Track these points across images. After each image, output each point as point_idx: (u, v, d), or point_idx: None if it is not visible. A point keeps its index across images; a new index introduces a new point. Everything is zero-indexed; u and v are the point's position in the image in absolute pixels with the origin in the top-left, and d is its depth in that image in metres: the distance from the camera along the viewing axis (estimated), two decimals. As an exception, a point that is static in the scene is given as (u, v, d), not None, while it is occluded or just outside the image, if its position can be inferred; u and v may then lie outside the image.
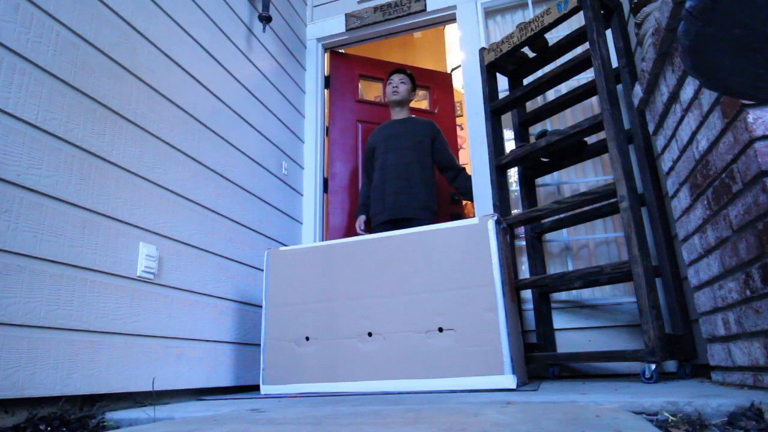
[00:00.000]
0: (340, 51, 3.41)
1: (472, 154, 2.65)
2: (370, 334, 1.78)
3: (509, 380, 1.56)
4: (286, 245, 2.57)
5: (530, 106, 2.59)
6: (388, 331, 1.75)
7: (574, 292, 2.33)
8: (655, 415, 1.02)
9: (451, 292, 1.70)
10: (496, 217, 1.73)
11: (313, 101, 3.09)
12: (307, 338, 1.88)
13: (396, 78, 3.07)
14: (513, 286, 1.93)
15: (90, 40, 1.53)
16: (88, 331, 1.40)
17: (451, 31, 5.07)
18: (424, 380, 1.66)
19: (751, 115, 1.06)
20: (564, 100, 2.26)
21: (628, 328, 2.16)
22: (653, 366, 1.56)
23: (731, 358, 1.31)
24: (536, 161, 2.37)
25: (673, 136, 1.54)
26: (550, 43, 2.33)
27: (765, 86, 0.77)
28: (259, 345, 2.21)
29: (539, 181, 2.52)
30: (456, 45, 4.81)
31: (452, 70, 4.77)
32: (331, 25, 3.21)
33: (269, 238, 2.41)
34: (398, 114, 3.07)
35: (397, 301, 1.77)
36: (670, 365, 2.01)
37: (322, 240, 2.91)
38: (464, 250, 1.73)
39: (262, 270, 2.31)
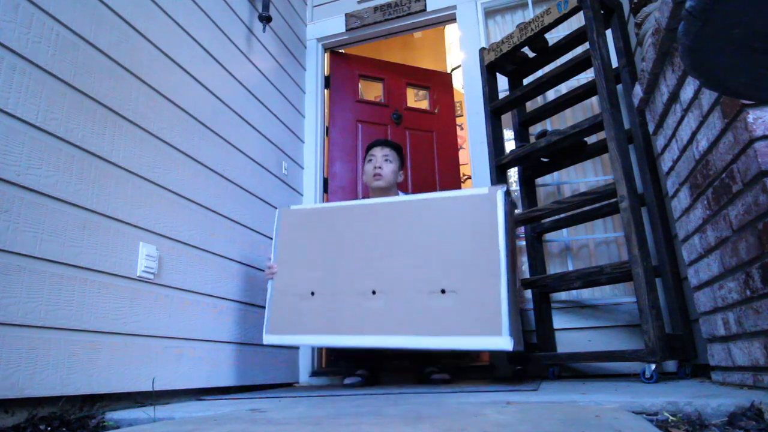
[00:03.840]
0: (340, 51, 3.41)
1: (472, 154, 2.65)
2: (374, 292, 1.80)
3: (506, 342, 1.57)
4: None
5: (530, 106, 2.59)
6: (392, 290, 1.78)
7: (574, 292, 2.33)
8: (655, 415, 1.02)
9: (456, 256, 1.73)
10: (504, 188, 1.76)
11: (313, 101, 3.09)
12: (312, 293, 1.90)
13: (379, 154, 2.33)
14: (515, 257, 1.93)
15: (90, 40, 1.53)
16: (88, 331, 1.40)
17: (451, 31, 5.06)
18: (423, 337, 1.69)
19: (751, 115, 1.06)
20: (564, 100, 2.26)
21: (628, 328, 2.16)
22: (653, 366, 1.56)
23: (731, 358, 1.31)
24: (536, 161, 2.37)
25: (673, 136, 1.54)
26: (550, 43, 2.33)
27: (765, 86, 0.77)
28: (259, 345, 2.21)
29: (539, 181, 2.52)
30: (456, 45, 4.81)
31: (452, 70, 4.77)
32: (331, 25, 3.21)
33: (269, 237, 2.41)
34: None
35: (403, 263, 1.80)
36: (670, 365, 2.01)
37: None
38: (472, 218, 1.75)
39: (263, 270, 2.30)
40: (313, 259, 1.94)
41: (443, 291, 1.70)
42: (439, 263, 1.75)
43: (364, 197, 2.91)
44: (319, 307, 1.86)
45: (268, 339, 1.92)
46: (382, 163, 2.31)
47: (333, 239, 1.94)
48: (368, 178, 2.35)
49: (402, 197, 1.95)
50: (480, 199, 1.77)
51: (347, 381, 2.12)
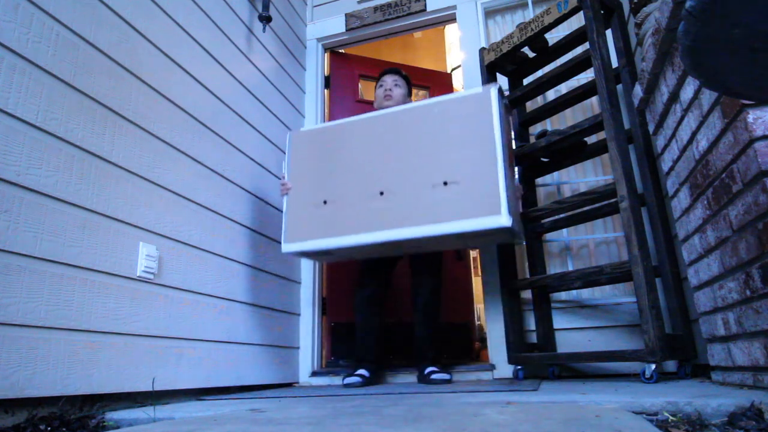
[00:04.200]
0: (340, 51, 3.41)
1: (472, 154, 2.65)
2: (381, 193, 1.93)
3: (505, 219, 1.70)
4: (286, 245, 2.57)
5: (530, 106, 2.59)
6: (398, 189, 1.91)
7: (574, 292, 2.33)
8: (655, 415, 1.02)
9: (456, 152, 1.86)
10: (497, 86, 1.88)
11: (313, 101, 3.08)
12: (325, 202, 2.02)
13: (389, 79, 2.58)
14: (511, 155, 2.00)
15: (90, 40, 1.53)
16: (88, 331, 1.40)
17: (451, 31, 5.06)
18: (429, 226, 1.81)
19: (751, 115, 1.06)
20: (564, 100, 2.26)
21: (628, 328, 2.16)
22: (653, 366, 1.56)
23: (731, 358, 1.31)
24: (536, 161, 2.37)
25: (673, 136, 1.54)
26: (550, 43, 2.33)
27: (765, 86, 0.77)
28: (260, 345, 2.21)
29: (539, 181, 2.52)
30: (456, 45, 4.81)
31: (452, 70, 4.77)
32: (331, 25, 3.20)
33: (269, 238, 2.41)
34: None
35: (407, 165, 1.93)
36: (670, 365, 2.01)
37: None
38: (469, 115, 1.89)
39: (263, 271, 2.31)
40: (323, 173, 2.07)
41: (445, 183, 1.83)
42: (440, 160, 1.87)
43: None
44: (332, 213, 1.99)
45: (286, 248, 2.03)
46: (392, 86, 2.55)
47: (341, 153, 2.07)
48: (379, 101, 2.58)
49: (400, 106, 2.09)
50: (475, 98, 1.90)
51: (347, 381, 2.12)
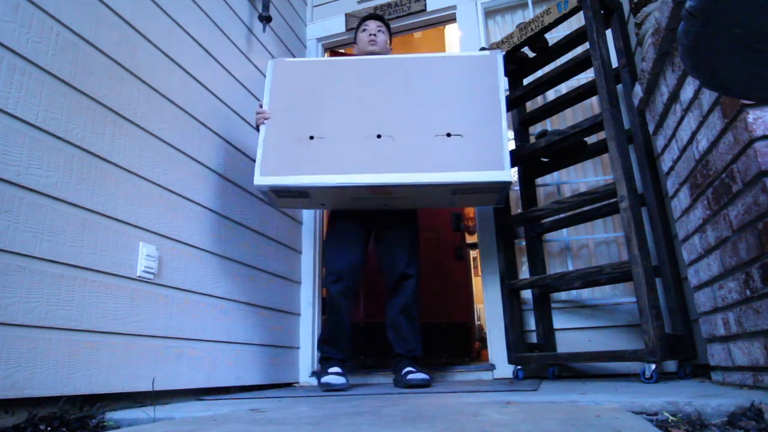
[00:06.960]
0: (340, 51, 3.41)
1: (472, 154, 2.65)
2: (379, 136, 1.85)
3: (507, 174, 1.76)
4: (285, 245, 2.57)
5: (530, 106, 2.59)
6: (398, 134, 1.85)
7: (574, 292, 2.33)
8: (655, 415, 1.02)
9: (460, 106, 1.86)
10: (503, 53, 1.99)
11: (313, 101, 3.08)
12: (312, 137, 1.87)
13: (373, 24, 2.44)
14: None
15: (90, 40, 1.53)
16: (88, 331, 1.40)
17: (451, 31, 5.06)
18: (433, 173, 1.77)
19: (751, 115, 1.06)
20: (564, 100, 2.26)
21: (628, 328, 2.16)
22: (653, 366, 1.56)
23: (731, 358, 1.31)
24: (536, 161, 2.37)
25: (673, 136, 1.54)
26: (550, 43, 2.33)
27: (765, 86, 0.77)
28: (260, 345, 2.21)
29: (539, 181, 2.52)
30: (456, 45, 4.80)
31: (452, 70, 4.76)
32: (331, 25, 3.20)
33: (270, 238, 2.41)
34: None
35: (406, 112, 1.88)
36: (670, 365, 2.01)
37: (320, 232, 2.91)
38: (475, 75, 1.92)
39: (263, 270, 2.30)
40: (311, 107, 1.92)
41: (449, 134, 1.82)
42: (442, 112, 1.86)
43: None
44: (320, 150, 1.85)
45: (260, 180, 1.82)
46: (377, 32, 2.42)
47: (332, 89, 1.95)
48: (363, 45, 2.43)
49: (402, 55, 2.04)
50: (483, 59, 1.95)
51: (324, 380, 1.90)
